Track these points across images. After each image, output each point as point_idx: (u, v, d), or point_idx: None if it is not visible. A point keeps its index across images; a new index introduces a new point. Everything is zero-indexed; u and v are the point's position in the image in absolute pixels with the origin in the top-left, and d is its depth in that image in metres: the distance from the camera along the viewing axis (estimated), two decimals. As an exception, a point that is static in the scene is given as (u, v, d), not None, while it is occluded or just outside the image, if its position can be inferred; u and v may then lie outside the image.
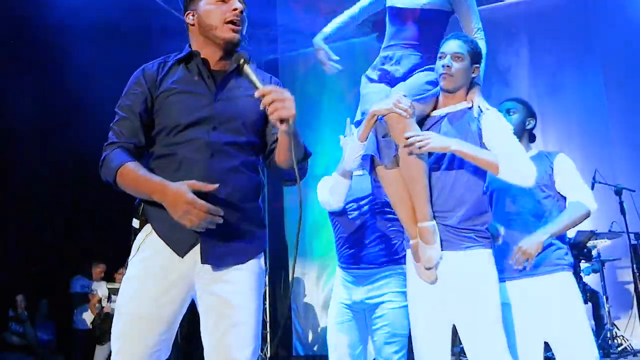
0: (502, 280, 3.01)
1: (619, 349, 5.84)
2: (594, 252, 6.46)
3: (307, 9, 9.12)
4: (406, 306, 3.41)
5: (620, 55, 7.59)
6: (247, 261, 2.26)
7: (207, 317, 2.21)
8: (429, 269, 2.81)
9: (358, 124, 3.15)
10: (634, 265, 5.98)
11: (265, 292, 9.08)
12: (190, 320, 2.46)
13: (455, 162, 2.90)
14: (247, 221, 2.28)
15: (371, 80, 3.21)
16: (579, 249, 6.29)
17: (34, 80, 6.22)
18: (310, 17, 9.02)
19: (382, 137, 3.00)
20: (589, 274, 6.54)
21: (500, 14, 8.26)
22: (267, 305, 9.13)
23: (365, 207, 3.82)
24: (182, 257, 2.19)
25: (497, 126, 2.93)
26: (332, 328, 3.80)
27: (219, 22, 2.34)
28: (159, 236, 2.22)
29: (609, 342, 5.93)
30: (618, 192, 5.88)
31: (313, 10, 9.03)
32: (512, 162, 2.80)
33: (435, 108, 3.09)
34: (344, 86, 9.12)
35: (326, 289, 8.79)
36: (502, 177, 2.83)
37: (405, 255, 3.15)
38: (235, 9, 2.34)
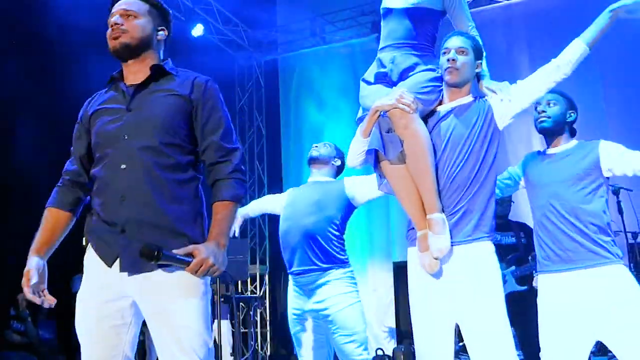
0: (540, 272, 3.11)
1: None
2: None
3: (306, 10, 9.13)
4: (353, 303, 3.78)
5: (618, 56, 7.59)
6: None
7: (151, 326, 2.26)
8: (436, 258, 2.80)
9: (360, 120, 3.14)
10: (631, 264, 5.97)
11: (265, 292, 9.09)
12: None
13: (461, 154, 2.89)
14: (170, 223, 2.25)
15: (368, 83, 3.20)
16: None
17: (37, 79, 6.21)
18: (310, 18, 9.04)
19: (386, 132, 2.98)
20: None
21: (499, 15, 8.27)
22: (268, 305, 9.14)
23: (302, 212, 4.04)
24: (110, 267, 2.25)
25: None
26: (293, 338, 4.04)
27: (107, 37, 2.42)
28: (93, 249, 2.33)
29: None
30: (615, 192, 5.87)
31: (312, 11, 9.04)
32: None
33: (440, 104, 3.08)
34: (343, 86, 9.12)
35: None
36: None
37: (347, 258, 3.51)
38: (112, 24, 2.40)
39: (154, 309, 2.22)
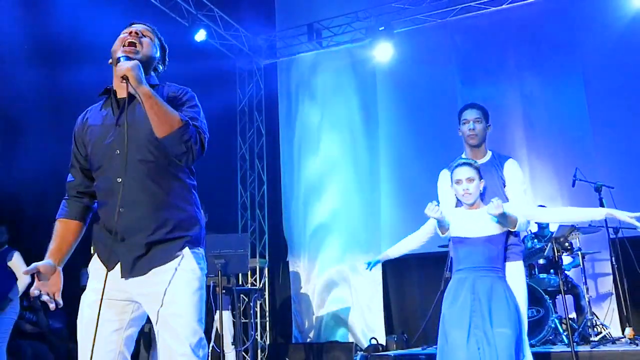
0: None
1: (599, 337, 5.86)
2: (574, 245, 6.48)
3: (303, 16, 9.12)
4: None
5: (600, 60, 7.60)
6: (167, 262, 2.29)
7: (151, 318, 2.30)
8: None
9: None
10: (612, 258, 5.99)
11: (265, 284, 9.10)
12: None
13: None
14: (167, 230, 2.30)
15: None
16: (561, 243, 6.30)
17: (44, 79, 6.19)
18: (307, 24, 9.03)
19: None
20: (569, 270, 6.56)
21: (485, 22, 8.28)
22: (267, 296, 9.14)
23: None
24: (111, 271, 2.29)
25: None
26: None
27: (121, 41, 2.42)
28: (98, 256, 2.37)
29: (589, 331, 5.95)
30: (598, 189, 5.89)
31: (309, 18, 9.03)
32: None
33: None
34: (339, 89, 9.12)
35: (319, 281, 8.80)
36: None
37: None
38: (130, 31, 2.43)
39: (152, 302, 2.27)
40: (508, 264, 3.65)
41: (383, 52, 8.34)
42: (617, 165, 7.16)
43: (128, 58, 2.28)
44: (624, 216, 3.34)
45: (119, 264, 2.30)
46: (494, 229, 3.54)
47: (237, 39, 9.13)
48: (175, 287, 2.26)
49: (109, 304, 2.29)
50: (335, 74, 9.21)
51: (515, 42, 8.09)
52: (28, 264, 2.36)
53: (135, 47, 2.37)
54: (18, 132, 6.25)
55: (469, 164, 3.67)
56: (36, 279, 2.32)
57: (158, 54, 2.51)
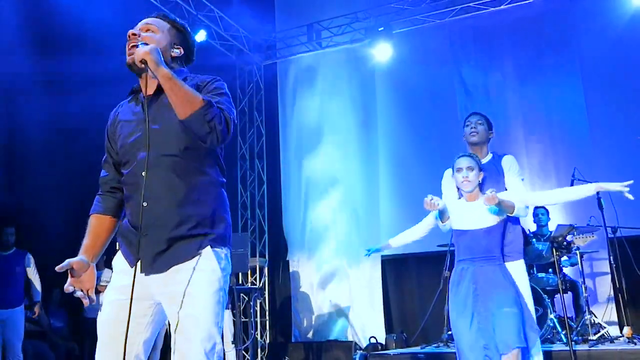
0: None
1: (597, 335, 5.85)
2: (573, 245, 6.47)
3: (303, 17, 9.12)
4: None
5: (599, 60, 7.61)
6: (188, 260, 2.23)
7: (169, 317, 2.24)
8: None
9: None
10: (611, 257, 5.99)
11: (265, 283, 9.10)
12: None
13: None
14: (190, 227, 2.24)
15: None
16: (559, 242, 6.29)
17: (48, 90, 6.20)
18: (306, 25, 9.03)
19: None
20: (566, 267, 6.55)
21: (484, 23, 8.28)
22: (267, 296, 9.15)
23: None
24: (132, 268, 2.22)
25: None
26: None
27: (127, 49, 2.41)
28: (121, 252, 2.34)
29: (588, 329, 5.95)
30: (596, 189, 5.88)
31: (309, 18, 9.03)
32: None
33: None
34: (338, 88, 9.13)
35: (319, 280, 8.81)
36: None
37: None
38: (129, 34, 2.39)
39: (172, 303, 2.19)
40: (509, 264, 3.77)
41: (382, 53, 8.35)
42: (615, 165, 7.16)
43: (145, 44, 2.25)
44: (614, 186, 3.51)
45: (140, 261, 2.23)
46: (492, 220, 3.68)
47: (237, 40, 9.13)
48: (193, 287, 2.18)
49: (128, 300, 2.20)
50: (334, 74, 9.22)
51: (514, 42, 8.10)
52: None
53: (133, 55, 2.31)
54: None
55: (470, 156, 3.84)
56: (70, 276, 2.29)
57: (166, 42, 2.44)
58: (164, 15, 2.51)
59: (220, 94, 2.33)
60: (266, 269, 9.22)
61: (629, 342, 5.52)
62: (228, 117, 2.24)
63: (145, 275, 2.22)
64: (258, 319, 8.92)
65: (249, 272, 8.98)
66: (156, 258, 2.21)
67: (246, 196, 9.43)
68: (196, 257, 2.22)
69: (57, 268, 2.26)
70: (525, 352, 3.52)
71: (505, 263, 3.75)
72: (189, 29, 2.58)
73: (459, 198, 3.89)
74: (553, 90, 7.80)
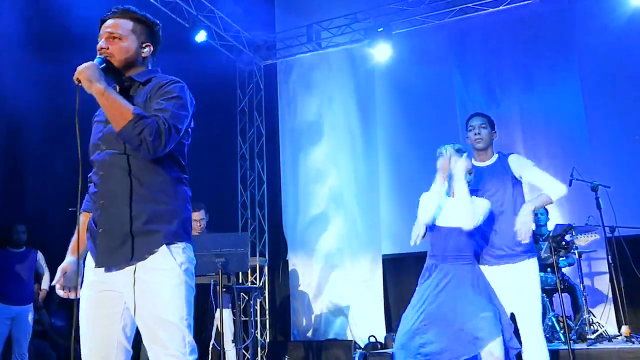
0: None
1: (595, 334, 5.87)
2: (572, 245, 6.47)
3: (303, 17, 9.12)
4: None
5: (597, 60, 7.61)
6: (144, 258, 2.27)
7: (135, 318, 2.31)
8: None
9: None
10: (609, 257, 6.00)
11: (265, 282, 9.10)
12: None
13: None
14: (143, 223, 2.28)
15: None
16: (558, 242, 6.30)
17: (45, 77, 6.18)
18: (306, 25, 9.03)
19: None
20: (564, 267, 6.56)
21: (483, 23, 8.28)
22: (267, 295, 9.15)
23: None
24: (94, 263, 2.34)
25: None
26: None
27: None
28: (88, 249, 2.41)
29: (586, 328, 5.96)
30: (594, 189, 5.89)
31: (309, 18, 9.03)
32: None
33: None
34: (338, 89, 9.13)
35: (319, 279, 8.81)
36: None
37: None
38: (98, 48, 2.42)
39: (134, 302, 2.25)
40: (522, 263, 3.81)
41: (382, 53, 8.35)
42: (614, 164, 7.17)
43: (105, 58, 2.35)
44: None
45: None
46: (469, 224, 3.67)
47: (237, 40, 9.13)
48: (154, 287, 2.24)
49: (102, 296, 2.32)
50: (334, 74, 9.22)
51: (513, 42, 8.10)
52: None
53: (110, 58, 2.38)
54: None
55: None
56: (62, 279, 2.43)
57: (135, 45, 2.43)
58: (124, 10, 2.47)
59: (169, 98, 2.33)
60: (266, 268, 9.22)
61: (627, 341, 5.53)
62: (163, 128, 2.22)
63: (105, 271, 2.30)
64: (258, 318, 8.92)
65: (249, 272, 8.98)
66: (112, 254, 2.27)
67: (246, 196, 9.43)
68: (153, 256, 2.26)
69: (55, 285, 2.44)
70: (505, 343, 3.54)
71: (519, 262, 3.76)
72: (150, 17, 2.54)
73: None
74: (551, 90, 7.81)
